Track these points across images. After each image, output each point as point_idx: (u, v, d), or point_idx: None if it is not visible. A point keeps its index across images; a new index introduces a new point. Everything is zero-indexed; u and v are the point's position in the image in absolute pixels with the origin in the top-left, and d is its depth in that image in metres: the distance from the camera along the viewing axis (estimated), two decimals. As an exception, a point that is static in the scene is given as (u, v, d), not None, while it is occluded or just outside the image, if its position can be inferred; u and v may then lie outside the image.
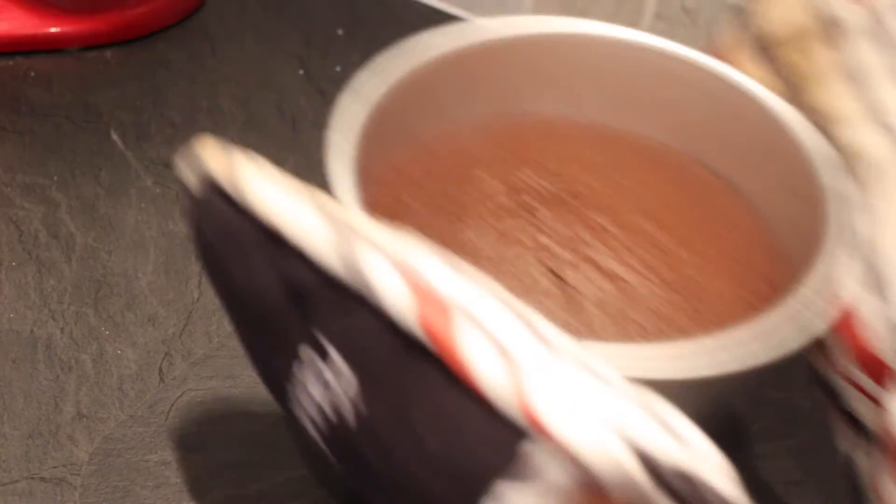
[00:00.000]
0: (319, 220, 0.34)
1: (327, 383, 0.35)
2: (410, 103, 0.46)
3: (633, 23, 0.78)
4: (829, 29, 0.45)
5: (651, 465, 0.29)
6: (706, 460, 0.30)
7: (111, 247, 0.58)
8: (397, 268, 0.32)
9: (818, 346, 0.43)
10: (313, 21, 0.79)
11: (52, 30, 0.70)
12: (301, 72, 0.74)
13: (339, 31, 0.79)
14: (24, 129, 0.64)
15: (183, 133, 0.66)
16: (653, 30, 0.77)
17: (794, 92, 0.47)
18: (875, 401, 0.41)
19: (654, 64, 0.49)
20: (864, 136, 0.43)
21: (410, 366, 0.32)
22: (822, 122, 0.45)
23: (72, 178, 0.61)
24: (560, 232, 0.42)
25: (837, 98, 0.45)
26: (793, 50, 0.47)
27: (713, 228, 0.44)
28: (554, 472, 0.30)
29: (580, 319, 0.39)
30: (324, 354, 0.35)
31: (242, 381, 0.52)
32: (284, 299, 0.36)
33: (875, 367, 0.41)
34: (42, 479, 0.46)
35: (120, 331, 0.53)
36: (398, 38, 0.80)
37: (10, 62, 0.69)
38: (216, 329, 0.55)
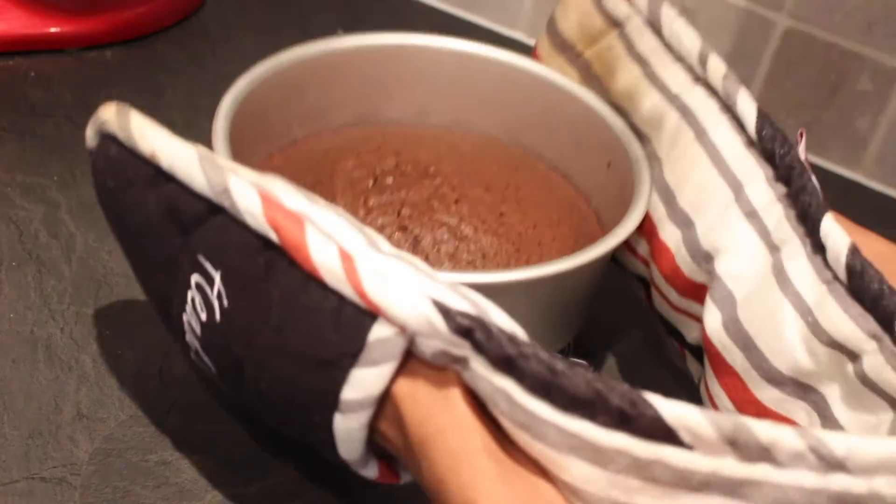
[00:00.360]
0: (191, 151, 0.41)
1: (207, 297, 0.40)
2: (281, 103, 0.55)
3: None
4: (616, 25, 0.54)
5: (447, 313, 0.35)
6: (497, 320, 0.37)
7: (111, 247, 0.58)
8: (256, 188, 0.39)
9: (658, 294, 0.52)
10: (313, 21, 0.79)
11: (52, 30, 0.70)
12: (301, 72, 0.74)
13: (339, 31, 0.78)
14: (24, 130, 0.64)
15: (183, 133, 0.66)
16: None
17: (596, 83, 0.56)
18: (700, 320, 0.49)
19: (491, 72, 0.58)
20: (656, 104, 0.52)
21: (267, 265, 0.39)
22: (622, 103, 0.55)
23: (72, 178, 0.61)
24: (415, 203, 0.50)
25: (633, 79, 0.53)
26: (590, 48, 0.56)
27: (546, 202, 0.54)
28: (391, 349, 0.36)
29: (424, 262, 0.48)
30: (211, 281, 0.40)
31: (242, 381, 0.52)
32: (172, 231, 0.41)
33: (690, 288, 0.49)
34: (42, 479, 0.46)
35: (120, 331, 0.53)
36: (398, 38, 0.80)
37: (10, 62, 0.69)
38: (216, 329, 0.55)
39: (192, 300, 0.41)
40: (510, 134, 0.59)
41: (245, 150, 0.52)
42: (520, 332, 0.37)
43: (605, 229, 0.54)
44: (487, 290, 0.44)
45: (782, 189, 0.47)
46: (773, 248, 0.46)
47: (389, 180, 0.51)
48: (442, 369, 0.36)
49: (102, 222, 0.59)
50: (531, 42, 0.82)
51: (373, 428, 0.39)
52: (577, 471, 0.33)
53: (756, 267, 0.46)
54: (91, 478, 0.47)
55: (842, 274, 0.43)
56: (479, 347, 0.35)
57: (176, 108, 0.68)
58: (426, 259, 0.49)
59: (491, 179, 0.53)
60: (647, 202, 0.50)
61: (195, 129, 0.67)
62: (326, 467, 0.50)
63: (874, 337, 0.41)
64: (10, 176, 0.61)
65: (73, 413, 0.49)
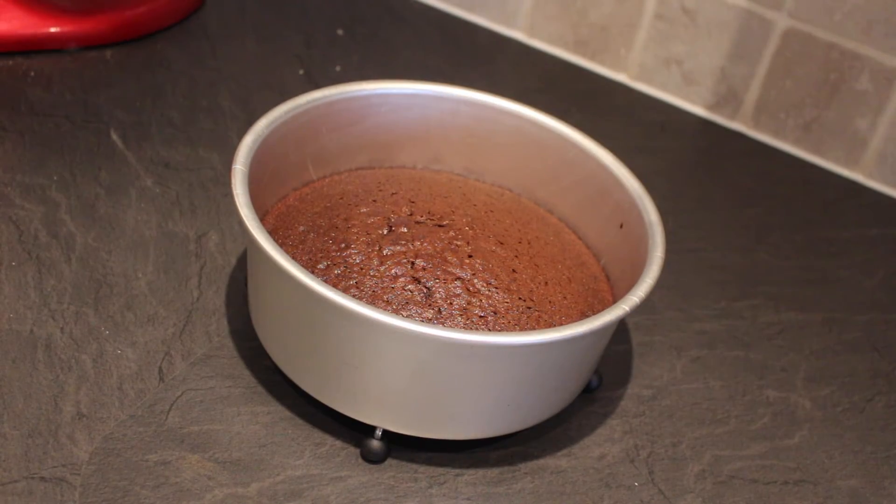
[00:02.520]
0: None
1: None
2: (297, 145, 0.56)
3: (633, 23, 0.78)
4: None
5: None
6: None
7: (111, 247, 0.58)
8: None
9: None
10: (313, 21, 0.79)
11: (52, 30, 0.70)
12: (301, 72, 0.74)
13: (339, 31, 0.79)
14: (23, 129, 0.64)
15: (183, 133, 0.66)
16: (653, 30, 0.78)
17: None
18: None
19: (506, 123, 0.60)
20: None
21: None
22: None
23: (72, 178, 0.61)
24: (428, 255, 0.51)
25: None
26: None
27: (557, 258, 0.55)
28: None
29: (437, 315, 0.50)
30: None
31: (242, 381, 0.52)
32: None
33: None
34: (42, 478, 0.46)
35: (120, 331, 0.53)
36: (398, 37, 0.81)
37: (10, 62, 0.69)
38: (216, 329, 0.55)
39: None
40: (523, 186, 0.60)
41: (261, 190, 0.53)
42: None
43: (614, 289, 0.56)
44: (501, 351, 0.48)
45: None
46: None
47: (404, 230, 0.52)
48: None
49: (102, 222, 0.59)
50: (531, 42, 0.82)
51: None
52: None
53: None
54: (91, 477, 0.47)
55: None
56: None
57: (176, 108, 0.68)
58: (438, 313, 0.50)
59: (503, 233, 0.54)
60: (660, 267, 0.52)
61: (195, 128, 0.67)
62: (328, 466, 0.50)
63: None
64: (10, 176, 0.61)
65: (72, 413, 0.49)
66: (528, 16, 0.81)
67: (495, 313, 0.50)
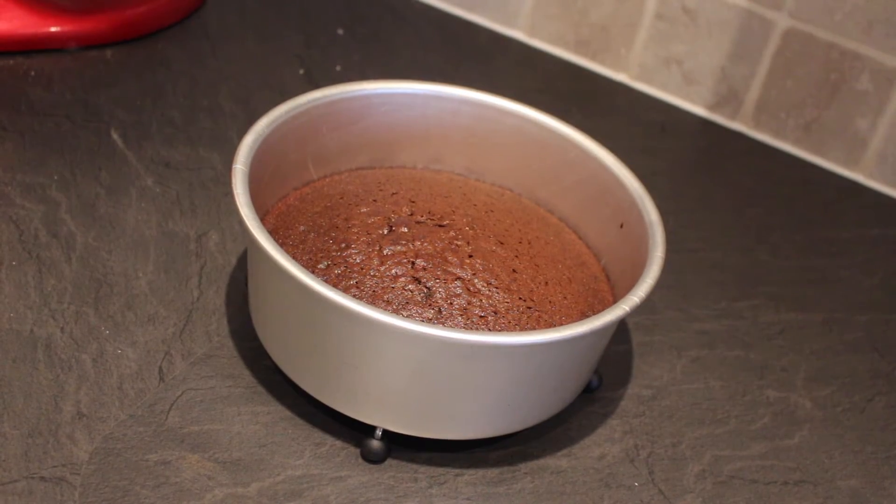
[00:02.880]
0: None
1: None
2: (297, 144, 0.56)
3: (634, 23, 0.78)
4: None
5: None
6: None
7: (111, 246, 0.58)
8: None
9: None
10: (313, 21, 0.79)
11: (53, 29, 0.70)
12: (301, 71, 0.74)
13: (339, 31, 0.79)
14: (24, 129, 0.64)
15: (183, 133, 0.66)
16: (653, 29, 0.78)
17: None
18: None
19: (507, 123, 0.60)
20: None
21: None
22: None
23: (72, 178, 0.61)
24: (429, 254, 0.51)
25: None
26: None
27: (558, 258, 0.55)
28: None
29: (437, 315, 0.50)
30: None
31: (242, 381, 0.52)
32: None
33: None
34: (42, 478, 0.46)
35: (120, 330, 0.53)
36: (399, 37, 0.81)
37: (11, 62, 0.69)
38: (216, 328, 0.55)
39: None
40: (523, 186, 0.60)
41: (262, 190, 0.53)
42: None
43: (614, 289, 0.56)
44: (501, 351, 0.48)
45: None
46: None
47: (404, 229, 0.52)
48: None
49: (102, 222, 0.59)
50: (531, 42, 0.82)
51: None
52: None
53: None
54: (91, 477, 0.47)
55: None
56: None
57: (176, 108, 0.68)
58: (439, 313, 0.50)
59: (504, 232, 0.54)
60: (660, 267, 0.52)
61: (195, 128, 0.67)
62: (328, 466, 0.50)
63: None
64: (10, 175, 0.61)
65: (72, 412, 0.49)
66: (529, 16, 0.81)
67: (495, 313, 0.50)
